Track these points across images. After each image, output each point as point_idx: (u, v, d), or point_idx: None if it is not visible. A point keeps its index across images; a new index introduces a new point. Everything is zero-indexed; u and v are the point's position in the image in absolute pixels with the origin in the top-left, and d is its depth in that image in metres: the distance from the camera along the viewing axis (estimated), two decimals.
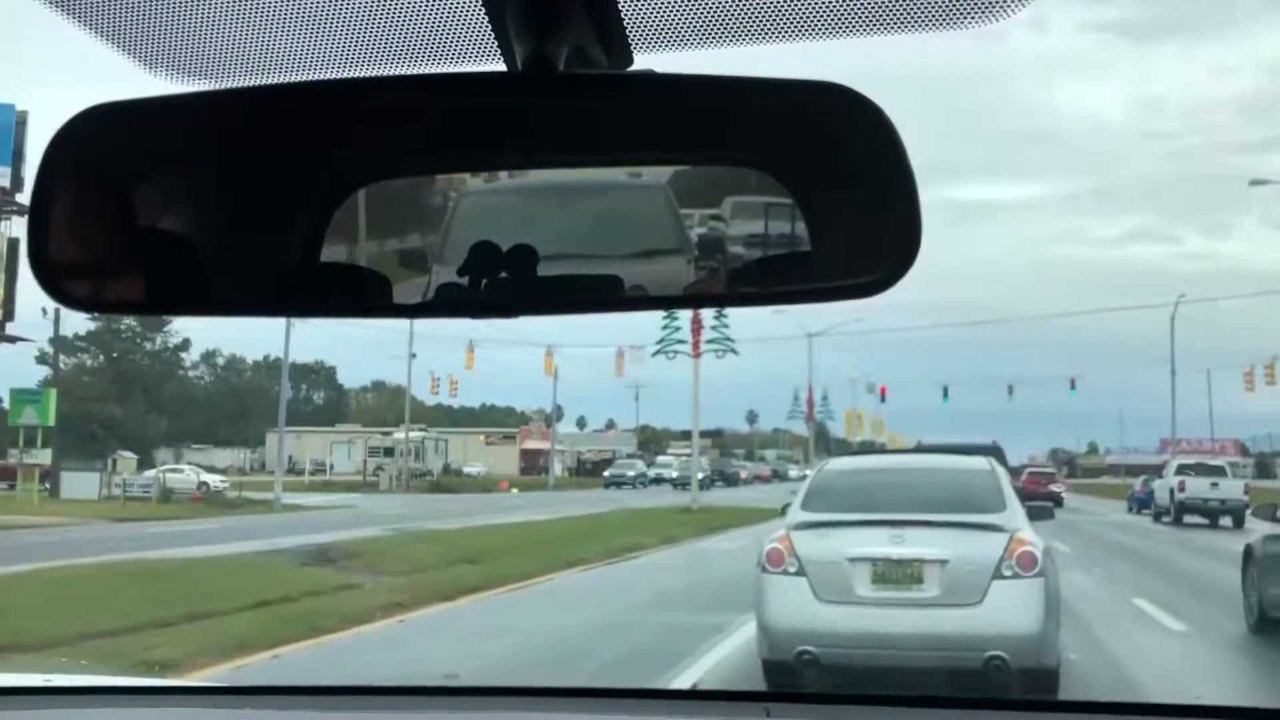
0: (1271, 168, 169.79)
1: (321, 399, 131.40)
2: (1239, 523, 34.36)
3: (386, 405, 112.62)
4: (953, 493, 9.64)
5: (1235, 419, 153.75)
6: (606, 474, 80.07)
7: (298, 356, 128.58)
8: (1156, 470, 48.12)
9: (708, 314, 45.87)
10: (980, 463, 10.39)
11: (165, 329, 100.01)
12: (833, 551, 8.98)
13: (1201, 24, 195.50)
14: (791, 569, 8.97)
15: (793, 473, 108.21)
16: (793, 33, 1.34)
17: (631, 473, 77.96)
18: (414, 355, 67.56)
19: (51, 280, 1.42)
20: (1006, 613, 8.61)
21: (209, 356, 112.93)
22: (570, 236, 1.53)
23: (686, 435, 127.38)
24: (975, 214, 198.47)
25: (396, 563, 20.08)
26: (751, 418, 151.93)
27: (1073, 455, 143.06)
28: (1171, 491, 39.60)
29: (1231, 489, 38.37)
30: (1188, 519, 38.30)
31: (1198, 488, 38.67)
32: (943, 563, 8.79)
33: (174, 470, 53.07)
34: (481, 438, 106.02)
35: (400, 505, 45.17)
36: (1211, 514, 38.19)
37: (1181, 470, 40.15)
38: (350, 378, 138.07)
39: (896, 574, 8.85)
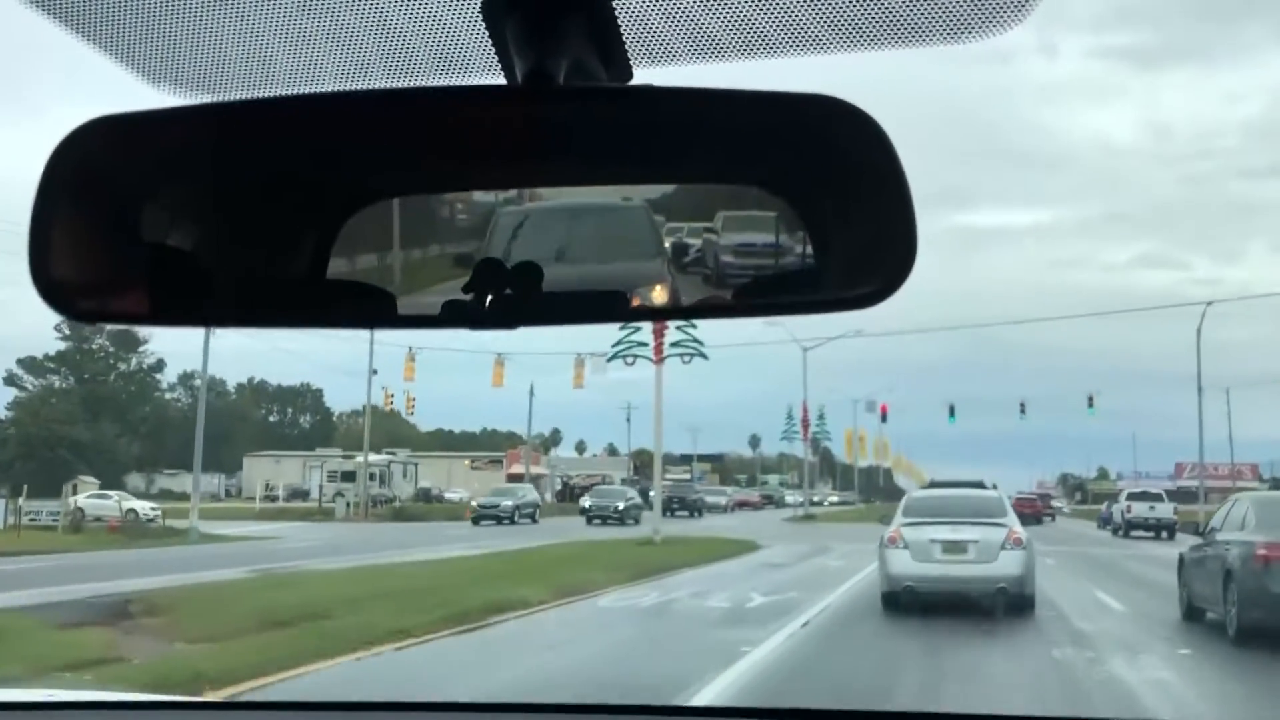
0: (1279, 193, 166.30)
1: (308, 422, 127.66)
2: (1171, 535, 44.89)
3: (375, 429, 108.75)
4: (979, 508, 18.88)
5: (1252, 444, 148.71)
6: (474, 504, 59.48)
7: (283, 379, 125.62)
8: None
9: None
10: (992, 493, 21.09)
11: (140, 349, 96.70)
12: (922, 536, 17.99)
13: (1211, 51, 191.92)
14: (901, 545, 18.05)
15: (789, 499, 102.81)
16: (791, 48, 1.36)
17: (508, 502, 56.99)
18: (375, 371, 63.84)
19: (52, 291, 1.39)
20: (1007, 566, 17.61)
21: (187, 379, 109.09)
22: (572, 251, 1.57)
23: (685, 459, 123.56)
24: (986, 239, 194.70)
25: (212, 621, 16.06)
26: (754, 442, 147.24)
27: (1082, 480, 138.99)
28: (1122, 513, 52.89)
29: (1165, 511, 50.79)
30: (1134, 533, 50.60)
31: (1140, 510, 51.81)
32: (976, 542, 17.81)
33: (99, 496, 49.16)
34: (467, 462, 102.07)
35: (331, 536, 41.06)
36: (1152, 528, 50.25)
37: (1130, 497, 54.24)
38: (340, 401, 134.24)
39: (954, 548, 17.87)
